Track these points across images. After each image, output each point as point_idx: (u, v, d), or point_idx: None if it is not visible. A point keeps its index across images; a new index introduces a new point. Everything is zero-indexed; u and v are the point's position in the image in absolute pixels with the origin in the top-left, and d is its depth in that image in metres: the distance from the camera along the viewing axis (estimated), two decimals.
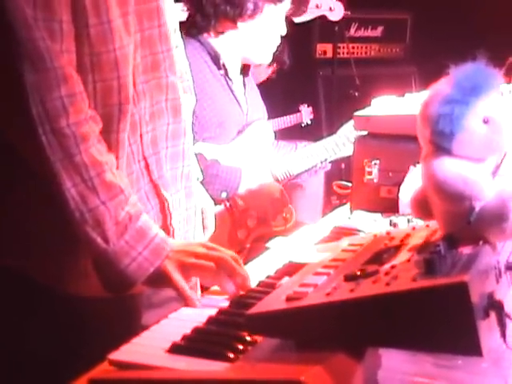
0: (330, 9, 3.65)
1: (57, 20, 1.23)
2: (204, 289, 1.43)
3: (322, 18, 3.79)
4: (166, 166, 1.46)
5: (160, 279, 1.29)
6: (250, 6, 2.54)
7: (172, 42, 1.45)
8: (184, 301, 1.27)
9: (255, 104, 2.81)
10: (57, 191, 1.24)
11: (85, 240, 1.27)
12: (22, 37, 1.20)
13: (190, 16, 2.64)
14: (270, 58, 2.74)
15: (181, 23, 2.64)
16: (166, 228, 1.45)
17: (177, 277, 1.28)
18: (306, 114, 3.65)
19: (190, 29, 2.62)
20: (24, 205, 1.35)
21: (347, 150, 2.79)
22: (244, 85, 2.76)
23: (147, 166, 1.42)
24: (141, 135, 1.40)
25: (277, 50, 2.73)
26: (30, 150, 1.25)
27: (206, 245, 1.35)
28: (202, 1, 2.59)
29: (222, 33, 2.63)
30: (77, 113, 1.24)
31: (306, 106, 3.68)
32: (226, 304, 1.24)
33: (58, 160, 1.23)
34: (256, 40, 2.64)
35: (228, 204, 2.64)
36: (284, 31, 2.66)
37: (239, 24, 2.59)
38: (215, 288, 1.35)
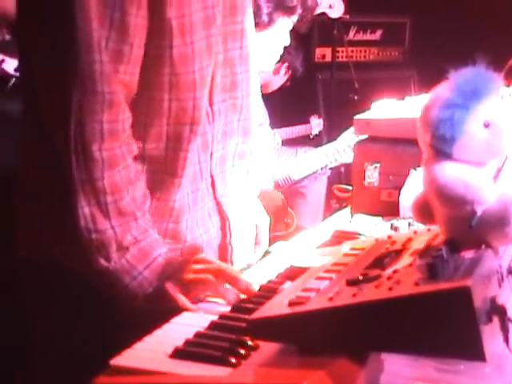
0: (330, 6, 3.64)
1: (128, 43, 1.25)
2: None
3: (322, 16, 3.77)
4: (231, 184, 1.48)
5: (162, 297, 1.31)
6: (265, 18, 2.55)
7: (251, 64, 1.47)
8: None
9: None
10: (71, 206, 1.27)
11: (86, 256, 1.29)
12: (80, 57, 1.22)
13: None
14: (271, 68, 2.75)
15: None
16: (225, 246, 1.48)
17: (177, 294, 1.30)
18: (315, 126, 3.64)
19: None
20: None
21: (348, 157, 2.80)
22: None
23: (213, 184, 1.44)
24: (211, 154, 1.42)
25: (284, 59, 2.72)
26: (59, 162, 1.28)
27: (203, 260, 1.36)
28: None
29: None
30: (112, 140, 1.26)
31: (317, 117, 3.67)
32: (226, 309, 1.24)
33: (80, 180, 1.26)
34: (261, 50, 2.64)
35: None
36: (288, 42, 2.66)
37: None
38: None
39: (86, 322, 1.39)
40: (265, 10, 2.52)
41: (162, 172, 1.36)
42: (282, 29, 2.60)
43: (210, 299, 1.32)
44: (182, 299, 1.29)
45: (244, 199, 1.53)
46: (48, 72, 1.26)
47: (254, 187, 1.58)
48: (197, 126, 1.36)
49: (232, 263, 1.50)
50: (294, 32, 2.70)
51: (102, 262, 1.28)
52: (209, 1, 1.33)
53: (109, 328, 1.38)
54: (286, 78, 3.82)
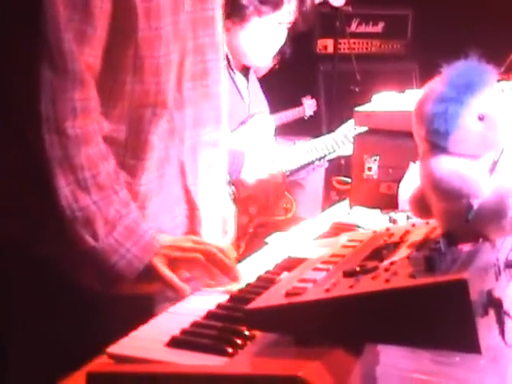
0: None
1: (92, 25, 1.24)
2: None
3: (324, 5, 3.75)
4: (202, 173, 1.47)
5: (150, 275, 1.31)
6: (247, 11, 2.56)
7: (220, 52, 1.46)
8: (174, 292, 1.29)
9: (257, 98, 2.82)
10: (50, 188, 1.26)
11: (73, 238, 1.28)
12: (48, 35, 1.21)
13: None
14: (266, 62, 2.74)
15: None
16: (194, 234, 1.47)
17: (165, 270, 1.30)
18: (308, 107, 3.62)
19: None
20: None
21: (345, 149, 2.80)
22: (247, 78, 2.77)
23: (183, 172, 1.44)
24: (180, 140, 1.41)
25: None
26: (31, 145, 1.27)
27: (193, 239, 1.36)
28: None
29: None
30: (85, 117, 1.26)
31: (309, 97, 3.65)
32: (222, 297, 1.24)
33: (55, 158, 1.25)
34: (249, 43, 2.64)
35: (230, 191, 2.65)
36: (282, 38, 2.66)
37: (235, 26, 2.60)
38: None
39: (60, 310, 1.39)
40: (247, 4, 2.53)
41: (124, 155, 1.35)
42: (271, 24, 2.60)
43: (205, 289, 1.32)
44: (169, 275, 1.29)
45: (214, 188, 1.53)
46: (16, 53, 1.25)
47: (224, 177, 1.57)
48: (160, 110, 1.35)
49: None
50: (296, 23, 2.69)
51: (90, 240, 1.28)
52: None
53: (87, 315, 1.38)
54: (273, 61, 3.80)
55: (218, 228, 1.58)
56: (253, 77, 2.84)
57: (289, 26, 2.66)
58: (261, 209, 2.70)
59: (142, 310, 1.41)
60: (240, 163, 2.62)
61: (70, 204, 1.26)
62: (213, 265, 1.30)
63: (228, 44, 2.64)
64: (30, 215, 1.36)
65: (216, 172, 1.52)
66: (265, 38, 2.63)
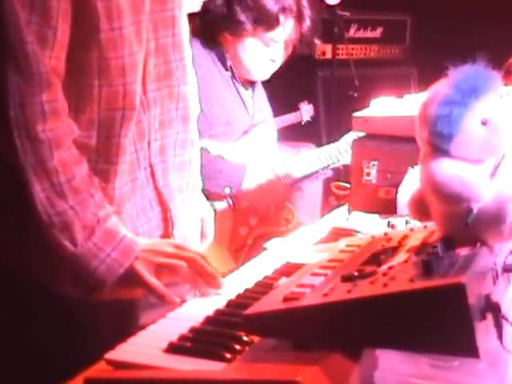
0: None
1: (51, 27, 1.23)
2: None
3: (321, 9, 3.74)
4: (173, 175, 1.46)
5: (131, 280, 1.29)
6: (244, 27, 2.58)
7: (185, 52, 1.46)
8: (160, 299, 1.28)
9: (262, 107, 2.82)
10: (25, 194, 1.24)
11: (52, 244, 1.27)
12: (10, 38, 1.19)
13: (201, 17, 2.65)
14: (264, 77, 2.75)
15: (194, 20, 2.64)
16: (168, 237, 1.46)
17: (148, 276, 1.28)
18: (305, 112, 3.63)
19: (200, 30, 2.64)
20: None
21: (349, 158, 2.79)
22: (252, 88, 2.77)
23: (153, 174, 1.43)
24: (149, 143, 1.40)
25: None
26: (2, 150, 1.25)
27: (174, 244, 1.35)
28: (208, 9, 2.61)
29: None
30: (54, 119, 1.24)
31: (306, 102, 3.65)
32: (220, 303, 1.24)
33: (29, 164, 1.23)
34: (246, 58, 2.65)
35: (231, 201, 2.64)
36: (281, 56, 2.67)
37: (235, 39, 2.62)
38: None
39: (37, 320, 1.38)
40: (243, 21, 2.55)
41: (96, 160, 1.34)
42: (267, 42, 2.61)
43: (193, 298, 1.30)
44: (153, 281, 1.28)
45: (187, 189, 1.51)
46: None
47: (197, 178, 1.56)
48: (129, 112, 1.34)
49: None
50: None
51: (68, 246, 1.26)
52: None
53: (65, 324, 1.37)
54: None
55: (195, 230, 1.57)
56: (259, 86, 2.84)
57: (287, 46, 2.67)
58: (261, 220, 2.70)
59: (123, 317, 1.41)
60: (241, 176, 2.62)
61: (47, 209, 1.25)
62: (195, 273, 1.29)
63: (230, 55, 2.65)
64: (1, 224, 1.35)
65: (188, 172, 1.51)
66: (261, 54, 2.64)
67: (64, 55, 1.26)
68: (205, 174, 2.48)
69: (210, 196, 2.54)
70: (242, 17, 2.55)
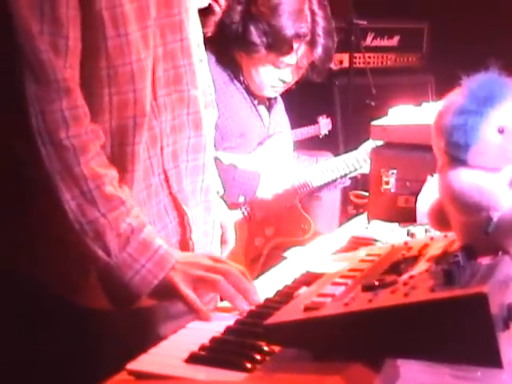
0: None
1: (63, 36, 1.23)
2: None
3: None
4: (186, 179, 1.46)
5: (167, 292, 1.27)
6: (259, 50, 2.57)
7: (194, 56, 1.45)
8: (195, 313, 1.25)
9: (278, 118, 2.82)
10: (56, 203, 1.24)
11: (87, 253, 1.26)
12: (25, 48, 1.20)
13: (216, 30, 2.66)
14: (274, 95, 2.75)
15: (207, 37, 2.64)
16: (186, 242, 1.45)
17: (185, 289, 1.26)
18: (323, 126, 3.64)
19: (215, 43, 2.65)
20: (42, 215, 1.36)
21: (367, 167, 2.78)
22: (269, 99, 2.77)
23: (167, 179, 1.42)
24: (161, 148, 1.40)
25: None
26: (31, 161, 1.25)
27: (212, 257, 1.33)
28: (224, 24, 2.61)
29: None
30: (77, 126, 1.24)
31: (325, 116, 3.67)
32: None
33: (56, 172, 1.23)
34: (257, 76, 2.65)
35: (246, 212, 2.64)
36: (289, 79, 2.67)
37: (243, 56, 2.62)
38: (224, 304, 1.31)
39: (52, 336, 1.38)
40: (256, 42, 2.54)
41: None
42: (278, 64, 2.61)
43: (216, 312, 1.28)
44: (192, 296, 1.25)
45: (203, 193, 1.51)
46: None
47: (211, 182, 1.55)
48: (141, 118, 1.33)
49: None
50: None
51: (102, 255, 1.25)
52: None
53: (75, 343, 1.36)
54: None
55: (213, 235, 1.56)
56: (275, 97, 2.83)
57: (298, 69, 2.66)
58: (277, 230, 2.70)
59: (140, 327, 1.40)
60: (255, 184, 2.62)
61: (78, 218, 1.24)
62: (234, 287, 1.26)
63: (243, 70, 2.65)
64: (23, 238, 1.35)
65: (201, 177, 1.50)
66: (272, 74, 2.64)
67: (77, 63, 1.27)
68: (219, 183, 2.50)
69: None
70: (257, 39, 2.55)
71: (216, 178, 1.61)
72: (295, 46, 2.57)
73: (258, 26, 2.54)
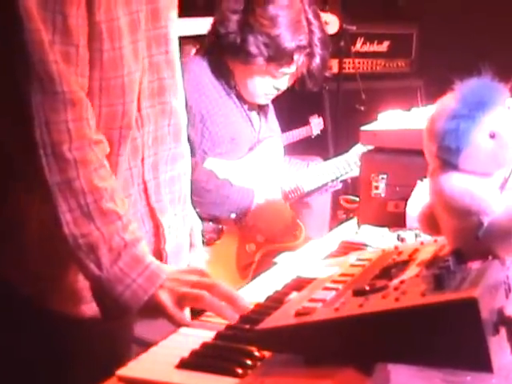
0: (325, 22, 3.66)
1: (74, 44, 1.24)
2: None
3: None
4: (165, 189, 1.46)
5: (155, 310, 1.27)
6: (253, 51, 2.55)
7: (176, 68, 1.46)
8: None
9: (269, 123, 2.81)
10: (53, 213, 1.24)
11: (79, 265, 1.27)
12: (34, 58, 1.20)
13: (210, 35, 2.65)
14: (265, 102, 2.75)
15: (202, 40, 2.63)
16: (159, 252, 1.45)
17: (171, 307, 1.26)
18: (315, 126, 3.64)
19: (208, 50, 2.64)
20: (17, 217, 1.35)
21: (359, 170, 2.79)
22: (259, 104, 2.77)
23: (145, 190, 1.42)
24: (142, 159, 1.41)
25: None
26: (30, 169, 1.25)
27: (198, 270, 1.33)
28: (219, 34, 2.59)
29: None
30: (81, 138, 1.24)
31: (316, 116, 3.67)
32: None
33: (55, 183, 1.23)
34: (250, 83, 2.65)
35: (237, 218, 2.64)
36: (284, 87, 2.67)
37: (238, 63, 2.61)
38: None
39: (25, 341, 1.37)
40: (254, 53, 2.53)
41: None
42: (275, 73, 2.61)
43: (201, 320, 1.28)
44: (179, 315, 1.25)
45: (178, 203, 1.51)
46: (2, 78, 1.23)
47: (187, 189, 1.55)
48: (126, 131, 1.34)
49: None
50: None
51: (94, 269, 1.25)
52: (133, 6, 1.32)
53: (56, 342, 1.36)
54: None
55: (186, 242, 1.56)
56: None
57: (293, 76, 2.66)
58: (268, 238, 2.69)
59: (116, 328, 1.39)
60: (248, 202, 2.61)
61: (72, 231, 1.24)
62: (220, 298, 1.25)
63: (236, 76, 2.64)
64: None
65: (178, 185, 1.50)
66: (267, 83, 2.64)
67: (87, 72, 1.28)
68: (211, 199, 2.50)
69: (215, 220, 2.55)
70: (256, 51, 2.53)
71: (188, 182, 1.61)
72: (296, 57, 2.56)
73: (258, 37, 2.52)
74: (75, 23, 1.23)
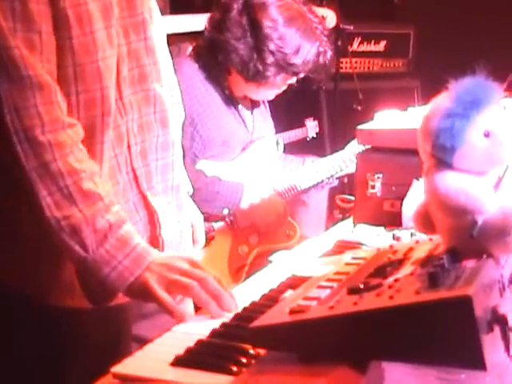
0: (322, 17, 3.66)
1: (36, 31, 1.23)
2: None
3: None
4: (157, 177, 1.46)
5: (142, 292, 1.27)
6: (270, 74, 2.51)
7: (158, 55, 1.46)
8: (169, 315, 1.25)
9: (263, 122, 2.80)
10: (34, 199, 1.24)
11: (64, 249, 1.26)
12: None
13: (206, 40, 2.60)
14: (268, 99, 2.74)
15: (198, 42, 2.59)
16: (156, 238, 1.45)
17: (159, 291, 1.25)
18: (311, 128, 3.65)
19: (202, 54, 2.61)
20: (12, 214, 1.35)
21: (353, 167, 2.78)
22: (252, 104, 2.75)
23: (136, 178, 1.43)
24: (129, 147, 1.40)
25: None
26: (8, 159, 1.25)
27: (190, 260, 1.32)
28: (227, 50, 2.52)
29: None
30: (53, 121, 1.24)
31: (312, 119, 3.68)
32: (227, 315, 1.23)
33: (33, 168, 1.23)
34: (250, 93, 2.64)
35: (229, 220, 2.63)
36: (283, 88, 2.66)
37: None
38: None
39: (23, 337, 1.37)
40: (267, 76, 2.51)
41: None
42: (280, 86, 2.61)
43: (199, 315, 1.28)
44: (167, 299, 1.25)
45: (173, 190, 1.51)
46: None
47: (181, 180, 1.55)
48: (107, 117, 1.33)
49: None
50: None
51: (79, 251, 1.25)
52: None
53: (47, 343, 1.36)
54: None
55: (185, 233, 1.55)
56: (258, 101, 2.81)
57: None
58: (261, 238, 2.69)
59: (114, 326, 1.40)
60: (238, 196, 2.60)
61: (54, 214, 1.24)
62: (208, 293, 1.25)
63: (232, 83, 2.61)
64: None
65: (171, 174, 1.50)
66: (272, 92, 2.63)
67: (54, 58, 1.27)
68: (202, 196, 2.49)
69: (209, 218, 2.55)
70: (272, 74, 2.49)
71: (185, 177, 1.61)
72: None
73: (279, 63, 2.48)
74: (36, 10, 1.23)
